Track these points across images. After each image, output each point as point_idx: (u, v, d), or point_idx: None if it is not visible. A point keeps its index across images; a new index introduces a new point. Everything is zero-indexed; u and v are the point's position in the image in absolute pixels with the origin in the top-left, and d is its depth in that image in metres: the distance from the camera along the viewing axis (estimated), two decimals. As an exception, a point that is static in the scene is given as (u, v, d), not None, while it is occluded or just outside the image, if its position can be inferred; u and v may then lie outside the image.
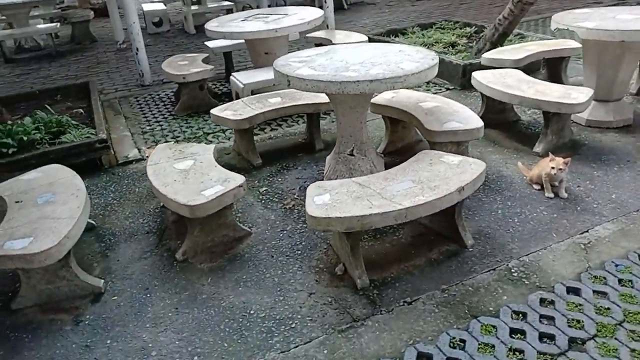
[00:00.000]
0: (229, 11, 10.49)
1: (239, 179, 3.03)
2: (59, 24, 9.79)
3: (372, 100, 4.09)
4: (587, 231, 3.05)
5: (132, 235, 3.37)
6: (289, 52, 4.11)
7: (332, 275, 2.84)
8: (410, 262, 2.89)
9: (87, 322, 2.63)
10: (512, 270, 2.77)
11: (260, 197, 3.71)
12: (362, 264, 2.75)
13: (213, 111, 4.17)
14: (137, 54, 6.67)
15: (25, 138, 4.10)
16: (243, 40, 5.70)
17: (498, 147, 4.20)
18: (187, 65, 5.57)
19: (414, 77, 3.14)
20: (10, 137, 4.07)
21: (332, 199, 2.72)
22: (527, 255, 2.88)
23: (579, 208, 3.29)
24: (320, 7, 8.16)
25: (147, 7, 10.94)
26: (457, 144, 3.62)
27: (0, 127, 4.14)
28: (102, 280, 2.88)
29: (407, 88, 4.21)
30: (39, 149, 4.14)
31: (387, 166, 3.84)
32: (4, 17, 9.48)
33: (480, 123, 3.60)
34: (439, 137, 3.56)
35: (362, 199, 2.71)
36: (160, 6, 10.86)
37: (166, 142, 4.79)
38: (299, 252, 3.06)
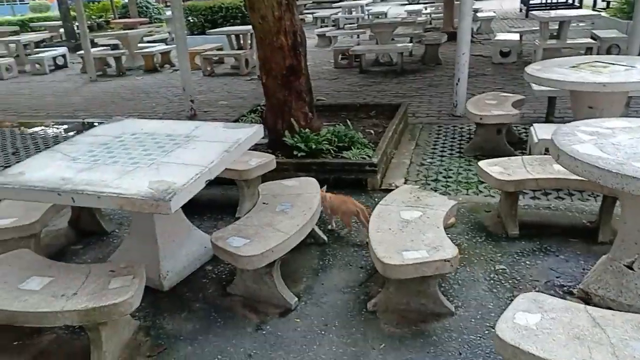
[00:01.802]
0: (589, 50, 9.30)
1: (450, 251, 2.64)
2: (411, 44, 10.66)
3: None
4: None
5: (348, 264, 3.40)
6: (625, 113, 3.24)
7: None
8: None
9: (264, 333, 2.80)
10: None
11: (492, 275, 3.16)
12: None
13: (481, 163, 3.75)
14: (457, 84, 6.65)
15: (314, 146, 4.64)
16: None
17: None
18: (492, 106, 5.19)
19: None
20: (305, 143, 4.68)
21: (540, 324, 2.06)
22: None
23: None
24: None
25: (500, 36, 10.75)
26: None
27: (302, 132, 4.79)
28: (296, 299, 3.00)
29: None
30: (322, 159, 4.63)
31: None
32: (372, 34, 10.94)
33: None
34: None
35: (582, 342, 1.96)
36: (514, 37, 10.47)
37: (435, 180, 4.63)
38: (494, 364, 2.47)
